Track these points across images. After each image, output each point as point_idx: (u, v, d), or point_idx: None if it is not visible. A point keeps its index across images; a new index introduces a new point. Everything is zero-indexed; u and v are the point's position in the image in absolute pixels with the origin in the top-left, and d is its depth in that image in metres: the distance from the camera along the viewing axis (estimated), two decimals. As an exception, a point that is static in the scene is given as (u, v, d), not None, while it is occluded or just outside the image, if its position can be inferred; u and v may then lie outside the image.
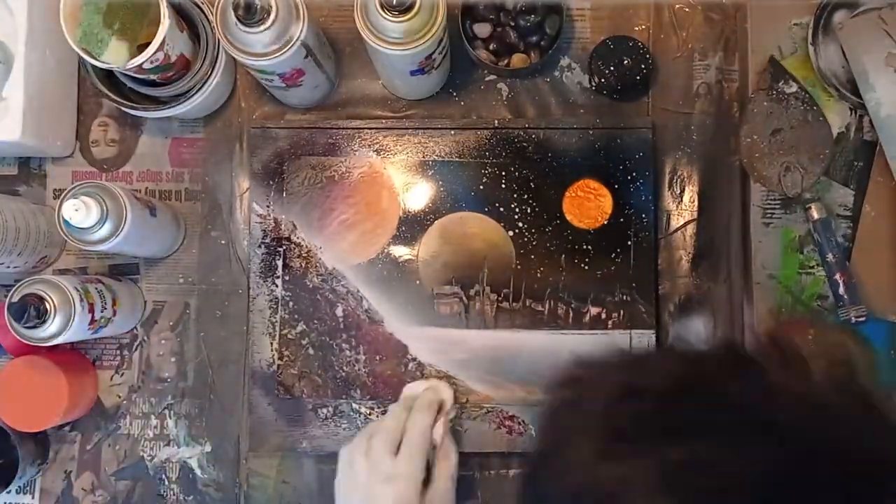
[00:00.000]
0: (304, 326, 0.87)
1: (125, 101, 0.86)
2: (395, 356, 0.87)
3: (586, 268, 0.87)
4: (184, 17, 0.84)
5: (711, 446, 0.44)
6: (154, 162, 0.91)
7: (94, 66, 0.81)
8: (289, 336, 0.87)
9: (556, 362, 0.86)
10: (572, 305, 0.87)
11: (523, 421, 0.86)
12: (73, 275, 0.89)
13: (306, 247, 0.88)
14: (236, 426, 0.89)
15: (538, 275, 0.87)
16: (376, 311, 0.87)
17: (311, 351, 0.87)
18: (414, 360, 0.87)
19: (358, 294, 0.88)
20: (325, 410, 0.87)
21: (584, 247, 0.87)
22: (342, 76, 0.91)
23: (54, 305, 0.77)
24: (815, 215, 0.82)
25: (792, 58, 0.88)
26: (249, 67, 0.81)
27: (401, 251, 0.88)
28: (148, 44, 0.77)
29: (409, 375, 0.87)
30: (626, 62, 0.88)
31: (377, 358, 0.87)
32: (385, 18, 0.73)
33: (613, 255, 0.87)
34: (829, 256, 0.81)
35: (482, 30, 0.88)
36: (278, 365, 0.87)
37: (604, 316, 0.86)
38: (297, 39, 0.76)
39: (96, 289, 0.82)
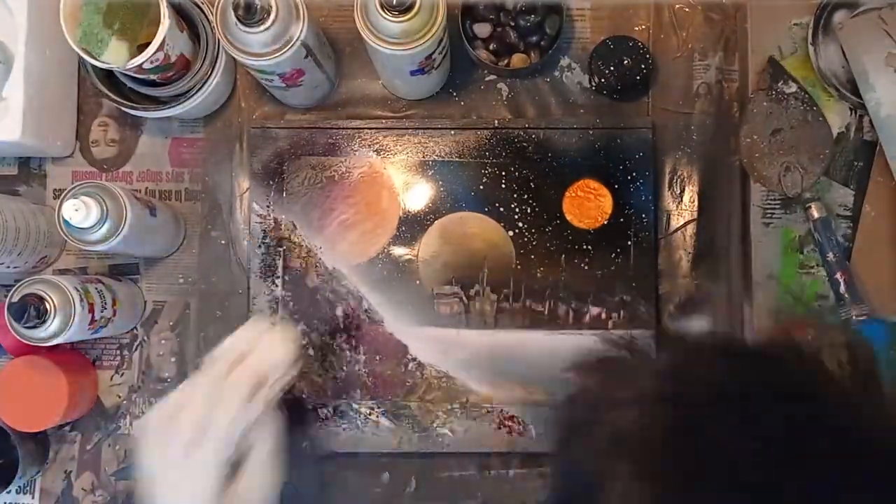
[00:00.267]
0: (305, 326, 0.87)
1: (125, 101, 0.86)
2: (395, 356, 0.87)
3: (586, 268, 0.87)
4: (184, 17, 0.84)
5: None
6: (154, 162, 0.91)
7: (94, 66, 0.81)
8: (289, 336, 0.87)
9: (555, 362, 0.86)
10: (572, 305, 0.87)
11: (523, 421, 0.86)
12: (73, 275, 0.89)
13: (306, 247, 0.88)
14: (236, 426, 0.88)
15: (538, 275, 0.87)
16: (376, 311, 0.88)
17: (311, 351, 0.87)
18: (414, 360, 0.87)
19: (358, 294, 0.88)
20: (325, 410, 0.87)
21: (585, 247, 0.87)
22: (342, 76, 0.91)
23: (54, 305, 0.77)
24: (815, 214, 0.82)
25: (792, 58, 0.88)
26: (249, 67, 0.81)
27: (401, 251, 0.88)
28: (148, 44, 0.77)
29: (410, 375, 0.87)
30: (626, 62, 0.88)
31: (377, 358, 0.87)
32: (385, 18, 0.73)
33: (613, 255, 0.87)
34: (830, 255, 0.81)
35: (482, 30, 0.88)
36: (278, 365, 0.87)
37: (604, 316, 0.87)
38: (296, 39, 0.76)
39: (96, 289, 0.82)
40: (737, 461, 0.43)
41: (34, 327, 0.77)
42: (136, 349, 0.90)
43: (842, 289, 0.84)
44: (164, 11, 0.77)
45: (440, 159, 0.89)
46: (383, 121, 0.90)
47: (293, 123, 0.90)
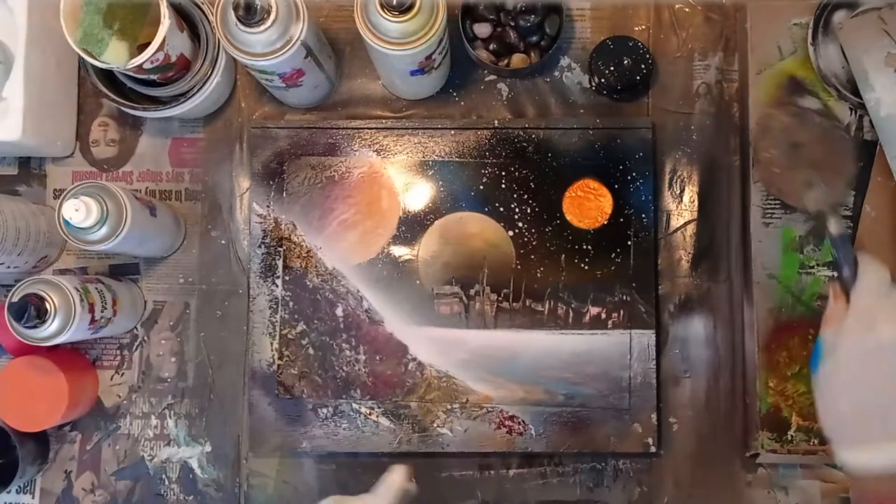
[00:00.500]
0: (305, 326, 0.87)
1: (125, 102, 0.86)
2: (395, 356, 0.87)
3: (586, 268, 0.87)
4: (184, 17, 0.84)
5: None
6: (154, 162, 0.92)
7: (94, 66, 0.81)
8: (289, 336, 0.87)
9: (555, 362, 0.86)
10: (572, 305, 0.87)
11: (523, 421, 0.86)
12: (73, 275, 0.90)
13: (306, 247, 0.88)
14: (236, 426, 0.89)
15: (538, 275, 0.87)
16: (376, 311, 0.88)
17: (311, 351, 0.87)
18: (414, 359, 0.87)
19: (358, 294, 0.88)
20: (325, 410, 0.87)
21: (584, 247, 0.87)
22: (342, 76, 0.92)
23: (54, 305, 0.77)
24: (833, 231, 0.80)
25: (791, 58, 0.88)
26: (249, 67, 0.81)
27: (401, 251, 0.88)
28: (148, 44, 0.77)
29: (409, 375, 0.87)
30: (626, 62, 0.88)
31: (377, 358, 0.87)
32: (385, 18, 0.73)
33: (613, 254, 0.87)
34: (845, 271, 0.80)
35: (482, 30, 0.88)
36: (278, 365, 0.87)
37: (604, 316, 0.87)
38: (297, 39, 0.76)
39: (96, 289, 0.82)
40: None
41: (34, 327, 0.77)
42: (136, 349, 0.90)
43: None
44: (165, 11, 0.77)
45: (440, 159, 0.89)
46: (383, 121, 0.90)
47: (293, 123, 0.90)
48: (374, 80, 0.91)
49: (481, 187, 0.88)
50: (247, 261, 0.89)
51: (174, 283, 0.90)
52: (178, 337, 0.90)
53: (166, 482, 0.88)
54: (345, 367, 0.87)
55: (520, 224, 0.88)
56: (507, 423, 0.86)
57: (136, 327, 0.90)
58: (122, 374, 0.90)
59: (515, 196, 0.88)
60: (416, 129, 0.89)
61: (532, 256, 0.87)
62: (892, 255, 0.86)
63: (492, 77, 0.91)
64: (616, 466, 0.87)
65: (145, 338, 0.90)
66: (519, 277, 0.87)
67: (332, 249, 0.88)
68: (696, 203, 0.89)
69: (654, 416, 0.86)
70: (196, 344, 0.90)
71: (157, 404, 0.89)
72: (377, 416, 0.87)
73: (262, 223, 0.89)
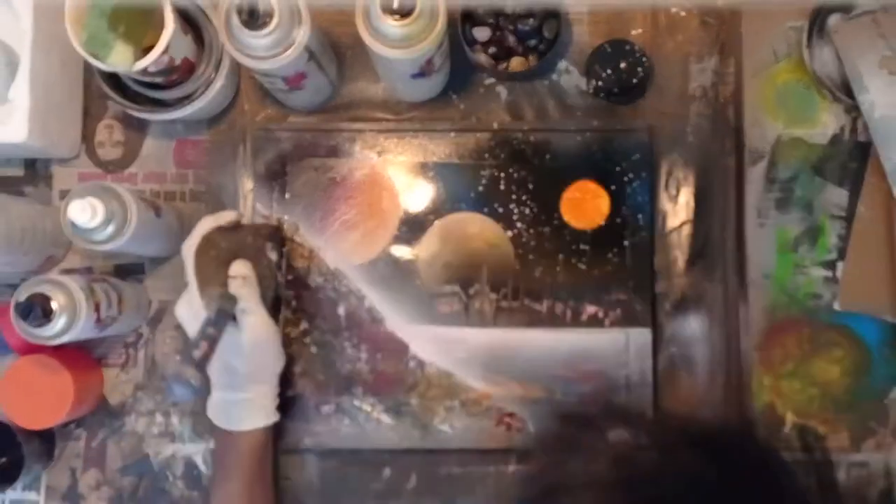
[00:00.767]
0: (307, 325, 0.88)
1: (130, 104, 0.87)
2: (396, 354, 0.88)
3: (584, 267, 0.88)
4: (188, 20, 0.85)
5: None
6: (159, 163, 0.92)
7: (99, 69, 0.81)
8: (292, 334, 0.88)
9: (554, 360, 0.87)
10: (570, 304, 0.88)
11: (522, 418, 0.87)
12: (78, 274, 0.90)
13: (308, 247, 0.89)
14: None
15: (537, 274, 0.88)
16: (377, 310, 0.88)
17: (313, 349, 0.88)
18: (414, 357, 0.88)
19: (359, 293, 0.89)
20: (327, 407, 0.88)
21: (582, 247, 0.88)
22: (344, 79, 0.92)
23: (60, 304, 0.78)
24: None
25: (786, 61, 0.89)
26: (253, 70, 0.81)
27: (401, 251, 0.89)
28: (152, 47, 0.78)
29: (410, 373, 0.88)
30: (623, 65, 0.89)
31: (378, 356, 0.88)
32: (386, 22, 0.74)
33: (610, 255, 0.88)
34: None
35: (481, 34, 0.89)
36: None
37: (601, 315, 0.88)
38: (299, 43, 0.76)
39: (102, 288, 0.83)
40: None
41: (40, 326, 0.78)
42: (141, 347, 0.91)
43: None
44: (169, 15, 0.78)
45: (440, 161, 0.90)
46: (384, 123, 0.91)
47: (296, 126, 0.91)
48: (376, 83, 0.92)
49: (481, 188, 0.89)
50: (250, 261, 0.90)
51: (179, 282, 0.90)
52: (183, 335, 0.90)
53: (171, 478, 0.89)
54: (346, 365, 0.88)
55: (519, 224, 0.89)
56: (505, 419, 0.87)
57: (141, 326, 0.91)
58: (128, 371, 0.91)
59: (514, 197, 0.89)
60: (417, 131, 0.90)
61: (531, 256, 0.88)
62: (886, 257, 0.87)
63: (491, 80, 0.92)
64: (613, 463, 0.88)
65: (150, 336, 0.91)
66: (518, 277, 0.88)
67: (334, 249, 0.89)
68: (691, 204, 0.90)
69: (650, 413, 0.86)
70: (200, 342, 0.90)
71: (161, 402, 0.90)
72: (378, 413, 0.88)
73: (264, 224, 0.89)
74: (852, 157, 0.89)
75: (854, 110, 0.88)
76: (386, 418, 0.88)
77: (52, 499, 0.89)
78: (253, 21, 0.74)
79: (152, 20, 0.79)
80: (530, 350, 0.87)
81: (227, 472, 0.81)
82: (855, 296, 0.87)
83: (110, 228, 0.78)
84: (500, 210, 0.89)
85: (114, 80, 0.86)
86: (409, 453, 0.88)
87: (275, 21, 0.74)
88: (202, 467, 0.89)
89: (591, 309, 0.88)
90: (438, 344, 0.88)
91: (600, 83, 0.89)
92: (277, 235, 0.87)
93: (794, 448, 0.85)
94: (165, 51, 0.78)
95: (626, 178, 0.88)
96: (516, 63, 0.90)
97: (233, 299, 0.78)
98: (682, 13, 0.92)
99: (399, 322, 0.88)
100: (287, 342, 0.87)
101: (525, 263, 0.88)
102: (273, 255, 0.85)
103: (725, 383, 0.88)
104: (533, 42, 0.89)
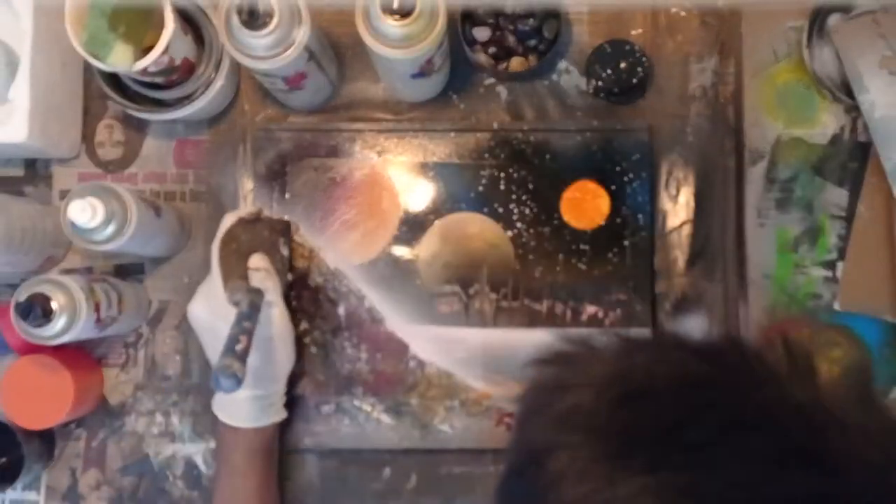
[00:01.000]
0: (307, 325, 0.88)
1: (130, 104, 0.87)
2: (396, 354, 0.88)
3: (584, 267, 0.88)
4: (188, 20, 0.85)
5: (723, 469, 0.42)
6: (159, 163, 0.92)
7: (99, 69, 0.82)
8: (291, 335, 0.88)
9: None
10: (570, 304, 0.88)
11: (522, 418, 0.87)
12: (79, 274, 0.90)
13: (308, 247, 0.89)
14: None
15: (536, 274, 0.88)
16: (377, 310, 0.89)
17: (313, 349, 0.88)
18: (414, 357, 0.88)
19: (359, 293, 0.89)
20: (327, 407, 0.88)
21: (582, 247, 0.88)
22: (344, 79, 0.92)
23: (60, 305, 0.78)
24: None
25: (786, 61, 0.89)
26: (253, 70, 0.82)
27: (401, 251, 0.89)
28: (152, 47, 0.78)
29: (410, 373, 0.88)
30: (623, 65, 0.89)
31: (378, 356, 0.88)
32: (386, 22, 0.74)
33: (610, 255, 0.88)
34: None
35: (481, 34, 0.89)
36: (281, 363, 0.88)
37: (601, 315, 0.88)
38: (299, 43, 0.77)
39: (102, 288, 0.83)
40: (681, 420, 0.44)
41: (40, 326, 0.77)
42: (141, 347, 0.91)
43: None
44: (169, 15, 0.78)
45: (440, 161, 0.90)
46: (384, 123, 0.91)
47: (296, 126, 0.91)
48: (376, 83, 0.92)
49: (480, 188, 0.89)
50: (250, 261, 0.90)
51: (179, 282, 0.91)
52: (183, 335, 0.90)
53: (171, 478, 0.89)
54: (346, 365, 0.88)
55: (519, 224, 0.89)
56: (505, 419, 0.87)
57: (141, 326, 0.91)
58: (128, 371, 0.91)
59: (514, 197, 0.89)
60: (417, 131, 0.90)
61: (531, 256, 0.89)
62: (886, 257, 0.87)
63: (491, 80, 0.92)
64: (613, 463, 0.88)
65: (151, 336, 0.91)
66: (518, 277, 0.88)
67: (333, 249, 0.89)
68: (691, 204, 0.90)
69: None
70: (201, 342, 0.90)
71: (161, 402, 0.90)
72: (378, 413, 0.88)
73: (264, 224, 0.90)
74: (852, 157, 0.89)
75: (854, 110, 0.88)
76: (386, 418, 0.88)
77: (52, 499, 0.90)
78: (253, 21, 0.74)
79: (152, 20, 0.79)
80: (530, 350, 0.86)
81: (235, 469, 0.81)
82: (855, 296, 0.87)
83: (110, 228, 0.78)
84: (500, 210, 0.89)
85: (114, 80, 0.86)
86: (409, 453, 0.88)
87: (275, 21, 0.74)
88: (202, 467, 0.89)
89: (591, 309, 0.88)
90: (438, 344, 0.88)
91: (600, 83, 0.89)
92: (289, 232, 0.88)
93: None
94: (165, 51, 0.79)
95: (626, 178, 0.89)
96: (516, 63, 0.90)
97: (260, 293, 0.78)
98: (682, 13, 0.92)
99: (399, 322, 0.88)
100: (287, 342, 0.88)
101: (525, 263, 0.88)
102: (285, 251, 0.86)
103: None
104: (533, 42, 0.89)
